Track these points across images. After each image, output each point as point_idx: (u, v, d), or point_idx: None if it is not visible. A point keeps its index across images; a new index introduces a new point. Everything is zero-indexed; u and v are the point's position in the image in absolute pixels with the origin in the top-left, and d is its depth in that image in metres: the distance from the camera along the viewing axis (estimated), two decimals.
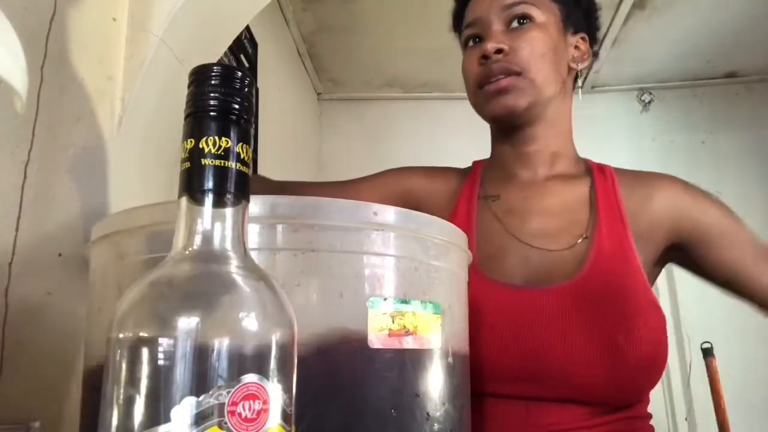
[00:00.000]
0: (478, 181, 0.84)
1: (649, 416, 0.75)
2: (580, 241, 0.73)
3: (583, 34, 0.83)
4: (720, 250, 0.73)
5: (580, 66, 0.82)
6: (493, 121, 0.81)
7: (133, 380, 0.28)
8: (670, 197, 0.75)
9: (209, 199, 0.31)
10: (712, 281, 0.76)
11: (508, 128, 0.80)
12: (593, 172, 0.80)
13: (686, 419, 2.43)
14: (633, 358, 0.65)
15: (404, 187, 0.86)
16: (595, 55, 0.86)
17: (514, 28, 0.77)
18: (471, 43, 0.81)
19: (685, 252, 0.75)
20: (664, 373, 0.71)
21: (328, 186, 0.90)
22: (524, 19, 0.77)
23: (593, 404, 0.67)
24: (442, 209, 0.82)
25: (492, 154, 0.87)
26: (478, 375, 0.55)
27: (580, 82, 0.86)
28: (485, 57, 0.76)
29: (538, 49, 0.75)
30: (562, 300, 0.68)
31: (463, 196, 0.82)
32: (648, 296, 0.70)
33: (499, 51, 0.75)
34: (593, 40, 0.85)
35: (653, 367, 0.68)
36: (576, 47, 0.81)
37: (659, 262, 0.77)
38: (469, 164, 0.90)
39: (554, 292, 0.69)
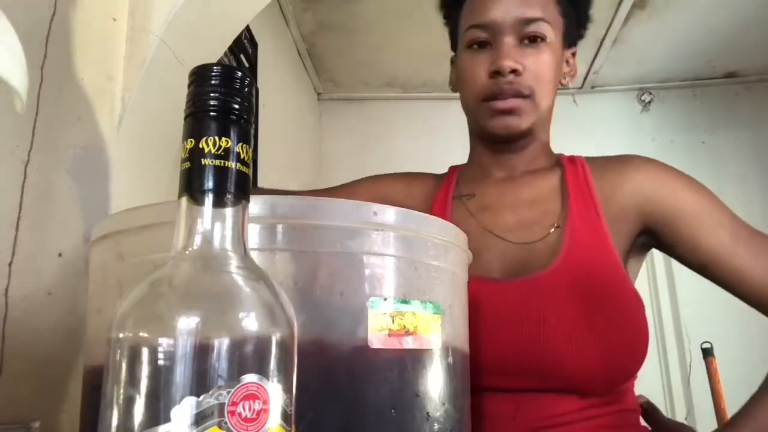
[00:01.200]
0: (454, 183, 0.84)
1: (638, 410, 0.75)
2: (552, 230, 0.74)
3: (574, 49, 0.83)
4: (693, 233, 0.70)
5: (569, 83, 0.83)
6: (489, 136, 0.80)
7: (133, 380, 0.28)
8: (639, 178, 0.74)
9: (209, 199, 0.31)
10: (690, 266, 0.73)
11: (497, 140, 0.80)
12: (563, 163, 0.80)
13: (686, 419, 2.43)
14: (609, 343, 0.65)
15: (381, 194, 0.85)
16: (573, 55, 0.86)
17: (526, 44, 0.75)
18: (475, 46, 0.77)
19: (658, 236, 0.73)
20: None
21: (313, 194, 0.90)
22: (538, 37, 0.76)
23: (576, 392, 0.67)
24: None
25: (471, 156, 0.87)
26: None
27: (571, 83, 0.86)
28: (498, 73, 0.74)
29: (548, 74, 0.75)
30: (538, 290, 0.69)
31: (438, 198, 0.83)
32: (621, 280, 0.70)
33: (513, 71, 0.73)
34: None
35: (633, 350, 0.68)
36: (567, 62, 0.82)
37: (638, 247, 0.76)
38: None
39: (530, 283, 0.69)
